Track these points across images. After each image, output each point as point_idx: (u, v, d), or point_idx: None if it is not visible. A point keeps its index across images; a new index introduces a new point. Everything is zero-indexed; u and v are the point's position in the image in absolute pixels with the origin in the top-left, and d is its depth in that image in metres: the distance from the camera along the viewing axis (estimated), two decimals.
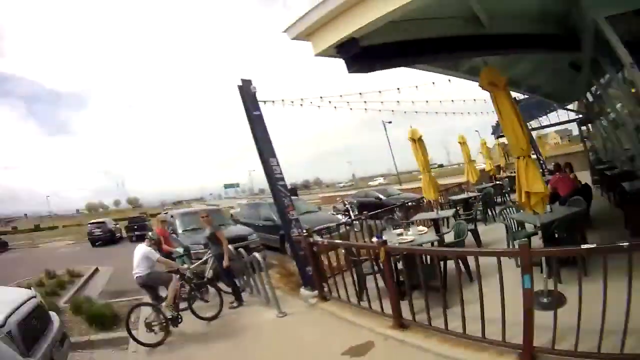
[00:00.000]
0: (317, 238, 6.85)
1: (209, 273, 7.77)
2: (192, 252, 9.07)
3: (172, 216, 12.54)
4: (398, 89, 9.54)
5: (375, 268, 5.62)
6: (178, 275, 6.53)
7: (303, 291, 7.01)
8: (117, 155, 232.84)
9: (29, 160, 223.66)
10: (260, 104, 7.06)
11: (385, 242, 5.08)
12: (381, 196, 19.01)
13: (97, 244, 28.05)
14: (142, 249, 6.45)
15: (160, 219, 9.68)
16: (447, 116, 12.82)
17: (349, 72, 4.77)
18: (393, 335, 4.80)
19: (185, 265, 7.30)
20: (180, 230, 11.56)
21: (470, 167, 13.60)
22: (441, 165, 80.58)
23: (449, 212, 9.66)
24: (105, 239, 28.35)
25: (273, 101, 7.37)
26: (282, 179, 7.13)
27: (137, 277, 6.36)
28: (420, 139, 8.99)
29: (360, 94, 8.85)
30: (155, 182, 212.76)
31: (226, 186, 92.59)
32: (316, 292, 6.70)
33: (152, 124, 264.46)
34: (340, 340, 5.04)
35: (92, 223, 29.88)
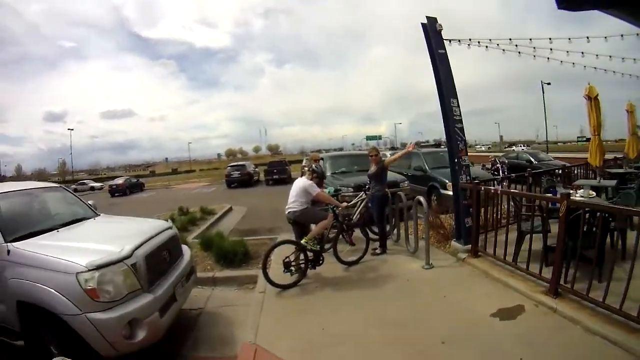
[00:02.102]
0: (490, 187, 6.30)
1: (356, 217, 7.40)
2: (340, 194, 8.74)
3: (321, 158, 11.54)
4: (587, 37, 8.08)
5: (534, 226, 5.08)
6: (332, 214, 6.05)
7: (455, 244, 6.55)
8: (262, 106, 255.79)
9: (176, 112, 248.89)
10: (445, 43, 6.51)
11: (569, 194, 4.46)
12: (532, 159, 18.30)
13: (232, 185, 29.58)
14: (302, 182, 5.95)
15: (315, 157, 9.05)
16: (622, 83, 10.97)
17: (559, 8, 4.21)
18: (545, 302, 4.35)
19: (345, 203, 6.78)
20: (329, 173, 10.92)
21: (633, 140, 12.10)
22: (588, 140, 72.95)
23: (612, 182, 8.29)
24: (242, 181, 29.50)
25: (459, 40, 6.65)
26: (461, 121, 6.51)
27: (290, 211, 5.91)
28: (596, 98, 8.30)
29: (550, 39, 7.56)
30: (297, 131, 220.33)
31: (368, 138, 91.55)
32: (469, 246, 6.17)
33: (301, 75, 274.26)
34: (489, 300, 4.62)
35: (232, 165, 31.42)
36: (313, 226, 6.12)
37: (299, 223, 6.10)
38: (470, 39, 6.75)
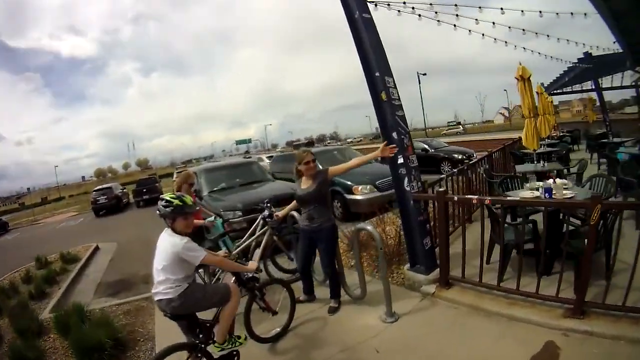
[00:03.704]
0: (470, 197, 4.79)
1: (256, 259, 4.76)
2: (228, 223, 6.55)
3: (194, 173, 8.46)
4: (502, 8, 7.63)
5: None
6: (237, 282, 3.60)
7: (411, 274, 4.76)
8: (131, 118, 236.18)
9: (43, 133, 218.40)
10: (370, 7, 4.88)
11: (600, 197, 3.39)
12: (427, 147, 17.33)
13: (101, 213, 25.32)
14: (169, 243, 3.00)
15: (187, 177, 5.71)
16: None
17: None
18: (575, 327, 3.33)
19: (254, 265, 3.61)
20: (205, 192, 8.48)
21: (544, 120, 11.81)
22: (458, 124, 77.57)
23: (557, 165, 8.05)
24: (110, 206, 25.40)
25: (388, 4, 5.15)
26: (401, 107, 4.78)
27: (162, 300, 3.01)
28: (529, 79, 7.87)
29: (501, 9, 7.19)
30: (166, 142, 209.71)
31: (238, 142, 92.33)
32: (434, 274, 4.55)
33: (169, 83, 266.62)
34: (508, 348, 3.29)
35: (97, 190, 26.82)
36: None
37: (185, 315, 3.18)
38: (404, 2, 5.44)
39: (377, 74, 4.63)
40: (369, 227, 4.21)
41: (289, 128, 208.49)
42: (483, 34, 7.88)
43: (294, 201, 4.61)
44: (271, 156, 21.82)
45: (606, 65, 16.74)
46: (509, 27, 8.15)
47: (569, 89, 25.46)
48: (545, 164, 8.03)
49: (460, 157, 15.22)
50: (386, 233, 5.82)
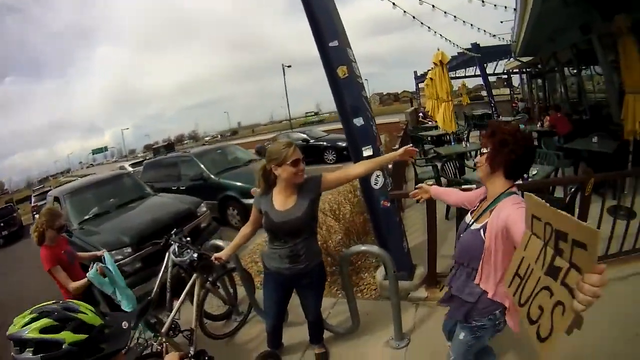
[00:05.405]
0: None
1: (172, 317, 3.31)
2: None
3: (55, 199, 6.59)
4: None
5: None
6: None
7: (387, 283, 3.93)
8: None
9: None
10: None
11: (592, 171, 3.50)
12: (308, 137, 17.05)
13: None
14: None
15: (48, 213, 3.41)
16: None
17: None
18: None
19: None
20: (75, 225, 5.83)
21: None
22: (316, 114, 78.09)
23: (477, 145, 8.03)
24: None
25: None
26: (363, 86, 3.92)
27: None
28: (446, 65, 8.37)
29: None
30: (21, 159, 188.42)
31: (94, 152, 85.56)
32: (418, 275, 3.99)
33: (24, 90, 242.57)
34: None
35: None
36: None
37: None
38: None
39: (332, 43, 3.65)
40: (375, 249, 3.31)
41: (146, 130, 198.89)
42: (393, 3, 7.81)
43: (243, 230, 2.90)
44: (136, 163, 19.65)
45: (490, 55, 18.11)
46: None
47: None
48: (468, 144, 8.13)
49: (344, 145, 14.82)
50: (328, 237, 5.11)
